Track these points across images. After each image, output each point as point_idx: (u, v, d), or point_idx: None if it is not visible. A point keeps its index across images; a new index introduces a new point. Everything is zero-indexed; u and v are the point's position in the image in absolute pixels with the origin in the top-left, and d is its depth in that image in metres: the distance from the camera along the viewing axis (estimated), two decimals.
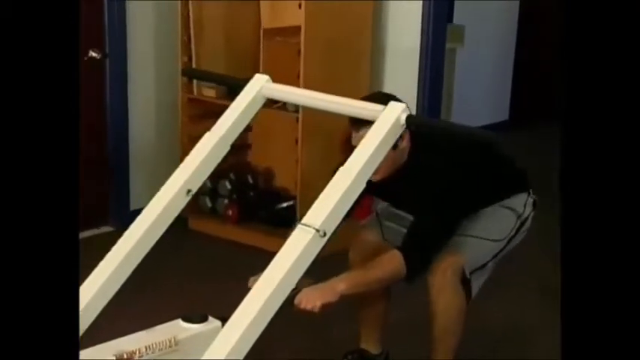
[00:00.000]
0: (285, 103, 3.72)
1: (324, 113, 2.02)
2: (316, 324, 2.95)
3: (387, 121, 1.79)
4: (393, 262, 2.38)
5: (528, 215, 2.60)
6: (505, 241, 2.55)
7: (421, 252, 2.43)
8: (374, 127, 1.80)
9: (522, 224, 2.59)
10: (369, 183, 1.83)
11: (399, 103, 1.83)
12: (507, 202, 2.58)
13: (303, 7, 3.61)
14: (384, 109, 1.82)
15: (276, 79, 2.07)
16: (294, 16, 3.71)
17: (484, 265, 2.54)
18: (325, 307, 2.23)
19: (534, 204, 2.63)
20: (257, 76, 2.05)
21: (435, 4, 3.89)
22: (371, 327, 2.80)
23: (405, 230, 2.48)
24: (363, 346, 2.82)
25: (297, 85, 3.44)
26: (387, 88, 4.05)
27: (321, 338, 3.07)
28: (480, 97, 5.97)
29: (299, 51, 3.67)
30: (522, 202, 2.60)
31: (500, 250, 2.56)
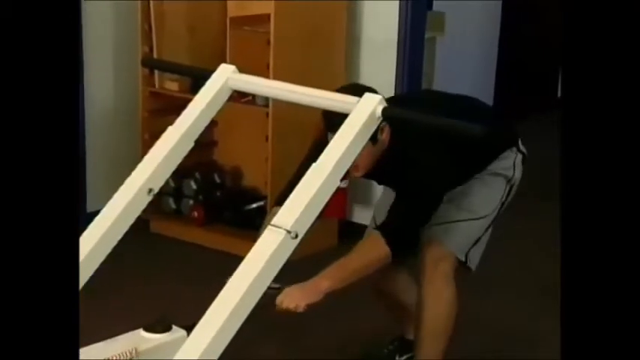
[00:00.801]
0: (253, 97, 3.72)
1: (296, 107, 2.02)
2: (291, 330, 2.96)
3: (362, 114, 1.80)
4: (374, 246, 2.42)
5: (518, 176, 2.66)
6: (495, 212, 2.63)
7: (403, 227, 2.45)
8: (348, 120, 1.81)
9: (512, 187, 2.66)
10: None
11: (375, 95, 1.83)
12: (496, 165, 2.62)
13: None
14: (358, 102, 1.82)
15: (244, 71, 2.06)
16: (263, 4, 3.71)
17: (478, 240, 2.62)
18: (309, 306, 2.25)
19: (524, 160, 2.68)
20: (223, 66, 2.04)
21: None
22: (407, 314, 2.82)
23: None
24: (407, 336, 2.86)
25: (267, 77, 3.43)
26: (363, 79, 4.06)
27: (296, 345, 3.08)
28: (463, 89, 5.94)
29: (268, 40, 3.67)
30: (511, 163, 2.64)
31: (493, 220, 2.64)
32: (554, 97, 6.62)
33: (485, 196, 2.61)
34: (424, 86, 4.38)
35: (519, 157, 2.67)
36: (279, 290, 2.22)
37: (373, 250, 2.43)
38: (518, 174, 2.66)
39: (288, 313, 2.25)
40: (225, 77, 2.02)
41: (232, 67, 2.04)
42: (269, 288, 1.73)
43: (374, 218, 2.78)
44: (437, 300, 2.57)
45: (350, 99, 1.87)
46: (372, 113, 1.81)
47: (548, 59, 6.48)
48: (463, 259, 2.60)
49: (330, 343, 3.12)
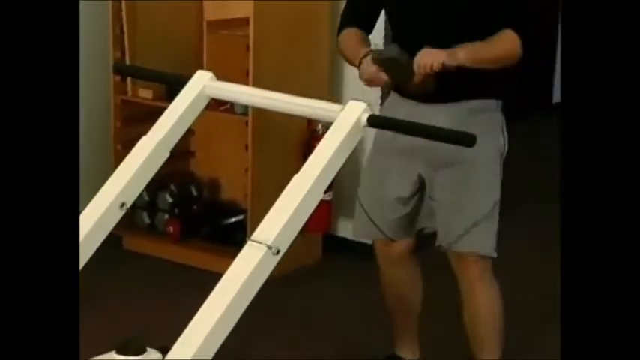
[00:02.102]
0: (232, 104, 3.72)
1: (277, 115, 2.02)
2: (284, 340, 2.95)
3: (346, 122, 1.80)
4: (510, 41, 2.55)
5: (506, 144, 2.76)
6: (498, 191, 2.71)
7: (530, 26, 2.62)
8: (332, 129, 1.81)
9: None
10: None
11: (360, 102, 1.84)
12: (488, 128, 2.66)
13: None
14: (342, 109, 1.83)
15: (222, 77, 2.07)
16: (241, 6, 3.71)
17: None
18: (444, 67, 2.45)
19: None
20: (199, 72, 2.04)
21: None
22: (406, 332, 2.98)
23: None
24: (399, 352, 2.98)
25: (246, 84, 3.44)
26: (348, 85, 4.07)
27: None
28: None
29: (247, 45, 3.68)
30: (500, 128, 2.71)
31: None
32: (549, 100, 6.71)
33: (490, 183, 2.68)
34: None
35: (503, 118, 2.74)
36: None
37: (508, 44, 2.56)
38: (506, 144, 2.74)
39: (425, 76, 2.48)
40: (202, 84, 2.02)
41: (209, 74, 2.04)
42: None
43: (360, 205, 2.86)
44: (487, 301, 2.75)
45: (333, 107, 1.88)
46: (357, 121, 1.81)
47: (544, 60, 6.56)
48: (495, 254, 2.70)
49: None
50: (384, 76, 2.55)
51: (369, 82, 2.61)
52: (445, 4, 2.59)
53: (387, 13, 2.77)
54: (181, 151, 4.16)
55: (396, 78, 2.59)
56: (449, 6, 2.59)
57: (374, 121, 1.84)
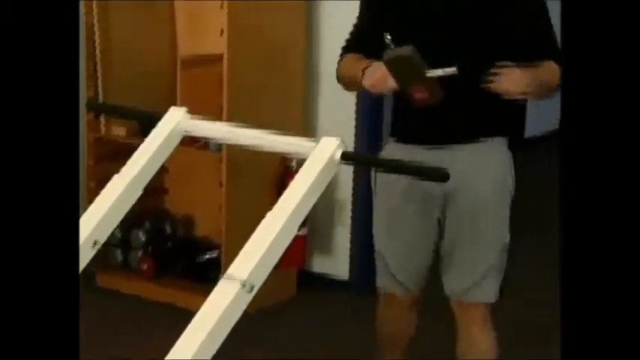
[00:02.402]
0: (206, 141, 3.73)
1: (251, 152, 2.02)
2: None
3: (320, 158, 1.81)
4: (556, 73, 2.43)
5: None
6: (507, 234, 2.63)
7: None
8: (306, 165, 1.81)
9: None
10: None
11: (333, 139, 1.85)
12: (499, 170, 2.59)
13: (225, 34, 3.63)
14: (316, 145, 1.84)
15: (196, 113, 2.07)
16: (215, 43, 3.73)
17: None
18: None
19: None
20: (173, 109, 2.04)
21: None
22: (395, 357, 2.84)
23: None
24: None
25: (220, 120, 3.44)
26: (322, 119, 4.10)
27: None
28: None
29: (221, 82, 3.69)
30: (509, 168, 2.61)
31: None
32: (522, 135, 6.81)
33: (501, 230, 2.60)
34: (386, 126, 4.41)
35: (511, 157, 2.64)
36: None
37: (557, 75, 2.43)
38: (514, 183, 2.65)
39: (431, 83, 2.35)
40: (175, 121, 2.02)
41: (183, 110, 2.04)
42: None
43: (382, 258, 2.72)
44: (484, 350, 2.65)
45: (308, 143, 1.88)
46: (331, 157, 1.82)
47: None
48: (497, 297, 2.63)
49: None
50: (390, 82, 2.39)
51: (374, 86, 2.45)
52: (456, 28, 2.49)
53: (393, 38, 2.57)
54: (155, 188, 4.15)
55: (405, 81, 2.39)
56: (460, 29, 2.49)
57: (348, 157, 1.84)
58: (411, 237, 2.64)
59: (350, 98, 4.01)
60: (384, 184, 2.66)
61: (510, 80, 2.42)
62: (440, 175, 1.83)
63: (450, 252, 2.60)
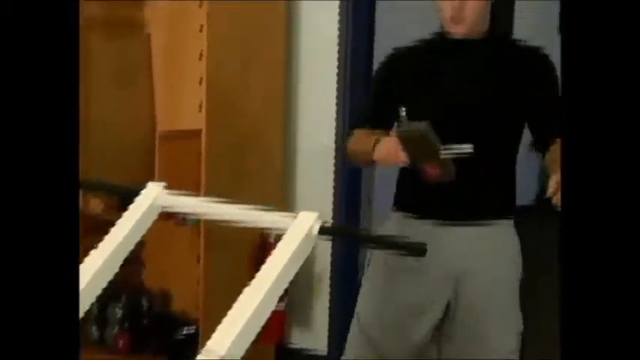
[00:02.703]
0: (184, 215, 3.72)
1: (230, 226, 2.02)
2: None
3: (298, 233, 1.81)
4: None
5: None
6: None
7: None
8: (284, 239, 1.82)
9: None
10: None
11: (311, 213, 1.85)
12: (507, 254, 2.59)
13: (203, 109, 3.66)
14: (294, 220, 1.84)
15: (174, 188, 2.07)
16: (193, 118, 3.76)
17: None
18: None
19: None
20: (151, 184, 2.05)
21: (351, 100, 3.99)
22: None
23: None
24: None
25: (199, 194, 3.45)
26: (301, 192, 4.10)
27: None
28: None
29: (200, 156, 3.70)
30: (518, 251, 2.62)
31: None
32: None
33: (513, 317, 2.58)
34: (363, 198, 4.43)
35: (517, 239, 2.65)
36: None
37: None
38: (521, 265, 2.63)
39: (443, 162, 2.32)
40: (153, 196, 2.03)
41: (161, 185, 2.04)
42: None
43: (357, 318, 2.70)
44: None
45: (286, 217, 1.89)
46: (309, 231, 1.82)
47: None
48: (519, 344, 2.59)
49: None
50: (402, 157, 2.35)
51: (385, 160, 2.41)
52: (472, 108, 2.51)
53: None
54: (132, 262, 4.11)
55: (418, 158, 2.35)
56: (476, 109, 2.51)
57: (325, 231, 1.85)
58: (413, 317, 2.59)
59: (328, 171, 4.04)
60: (384, 258, 2.61)
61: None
62: (418, 251, 1.83)
63: (462, 337, 2.55)
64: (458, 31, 2.53)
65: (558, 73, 2.44)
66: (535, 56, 2.60)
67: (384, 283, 2.64)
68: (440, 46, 2.61)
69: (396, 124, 2.38)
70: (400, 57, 2.67)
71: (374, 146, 2.44)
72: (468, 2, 2.49)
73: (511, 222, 2.63)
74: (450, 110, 2.50)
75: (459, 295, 2.55)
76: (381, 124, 2.56)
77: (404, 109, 2.31)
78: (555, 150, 2.45)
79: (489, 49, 2.57)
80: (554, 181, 2.20)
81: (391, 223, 2.65)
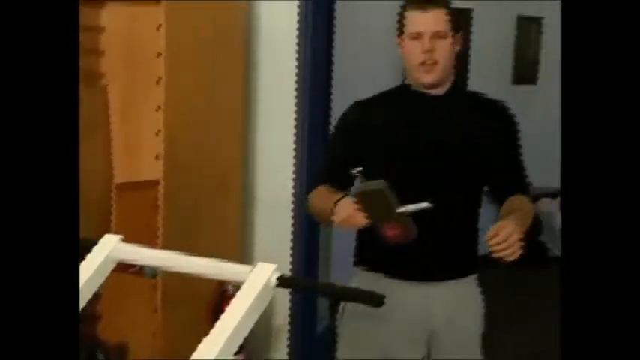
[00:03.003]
0: (141, 267, 3.69)
1: (187, 277, 2.01)
2: None
3: (256, 284, 1.81)
4: (530, 208, 2.49)
5: None
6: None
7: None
8: (241, 290, 1.81)
9: None
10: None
11: (269, 264, 1.85)
12: (473, 310, 2.61)
13: (161, 160, 3.65)
14: (251, 271, 1.84)
15: (131, 239, 2.06)
16: (151, 169, 3.75)
17: None
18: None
19: None
20: (107, 236, 2.04)
21: (310, 150, 4.01)
22: None
23: None
24: None
25: (156, 245, 3.43)
26: (259, 244, 4.10)
27: None
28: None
29: (157, 207, 3.69)
30: (482, 307, 2.64)
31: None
32: None
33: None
34: (322, 249, 4.43)
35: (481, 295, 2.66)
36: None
37: (530, 211, 2.48)
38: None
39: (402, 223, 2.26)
40: (109, 248, 2.01)
41: (117, 237, 2.03)
42: None
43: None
44: None
45: (243, 268, 1.89)
46: (267, 282, 1.82)
47: None
48: None
49: None
50: (361, 219, 2.28)
51: (345, 222, 2.33)
52: (432, 165, 2.49)
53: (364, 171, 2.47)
54: (88, 316, 4.06)
55: (377, 217, 2.28)
56: (437, 166, 2.49)
57: (284, 282, 1.85)
58: None
59: (286, 222, 4.04)
60: (358, 314, 2.57)
61: (509, 243, 2.26)
62: (377, 301, 1.84)
63: None
64: (427, 80, 2.49)
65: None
66: (498, 110, 2.60)
67: (360, 333, 2.62)
68: (405, 99, 2.56)
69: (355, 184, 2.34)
70: (362, 111, 2.60)
71: (333, 207, 2.36)
72: (439, 45, 2.45)
73: (475, 276, 2.63)
74: (414, 167, 2.48)
75: (432, 352, 2.57)
76: (342, 181, 2.47)
77: (359, 169, 2.26)
78: (512, 201, 2.48)
79: (455, 103, 2.54)
80: (497, 226, 2.23)
81: (361, 281, 2.59)
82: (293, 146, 4.02)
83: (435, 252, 2.50)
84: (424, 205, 2.21)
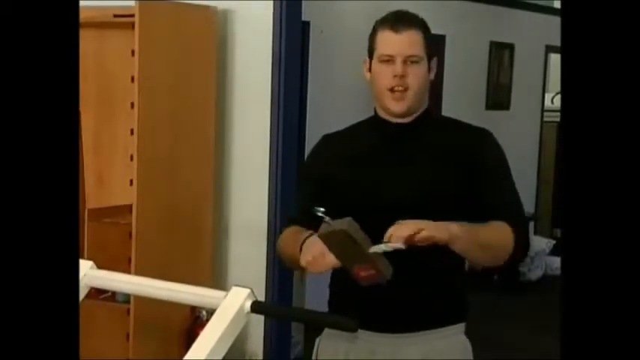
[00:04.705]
0: (113, 292, 3.66)
1: (160, 303, 2.01)
2: None
3: (230, 309, 1.80)
4: (504, 232, 2.20)
5: None
6: None
7: (525, 227, 2.32)
8: (215, 316, 1.81)
9: None
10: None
11: (243, 289, 1.85)
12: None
13: (134, 185, 3.64)
14: (226, 296, 1.84)
15: (103, 265, 2.05)
16: (124, 194, 3.73)
17: None
18: (429, 241, 2.02)
19: None
20: (79, 262, 2.02)
21: (283, 178, 4.02)
22: None
23: None
24: None
25: (129, 271, 3.41)
26: (233, 272, 4.09)
27: None
28: None
29: (130, 233, 3.67)
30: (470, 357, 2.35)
31: None
32: None
33: None
34: (296, 275, 4.43)
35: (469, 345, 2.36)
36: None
37: (503, 236, 2.19)
38: None
39: (402, 241, 2.03)
40: (82, 274, 2.00)
41: (90, 263, 2.02)
42: None
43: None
44: None
45: (217, 293, 1.88)
46: (241, 308, 1.82)
47: None
48: None
49: None
50: (330, 259, 2.08)
51: (312, 265, 2.12)
52: (405, 207, 2.20)
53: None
54: None
55: (347, 259, 2.09)
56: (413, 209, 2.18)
57: (257, 308, 1.84)
58: None
59: (260, 247, 4.03)
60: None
61: (407, 224, 2.07)
62: (350, 327, 1.84)
63: None
64: (396, 109, 2.29)
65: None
66: (475, 138, 2.37)
67: None
68: (372, 130, 2.37)
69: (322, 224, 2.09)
70: (329, 145, 2.44)
71: (300, 249, 2.17)
72: (412, 71, 2.26)
73: (462, 328, 2.36)
74: (381, 203, 2.26)
75: None
76: (312, 220, 2.16)
77: (321, 209, 2.06)
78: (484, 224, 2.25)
79: (425, 132, 2.34)
80: (419, 225, 2.05)
81: (326, 342, 2.39)
82: (267, 173, 4.02)
83: (411, 295, 2.26)
84: (398, 244, 2.05)
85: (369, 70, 2.34)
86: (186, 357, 1.76)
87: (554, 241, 7.66)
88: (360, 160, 2.34)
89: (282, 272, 4.04)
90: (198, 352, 1.76)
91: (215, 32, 3.97)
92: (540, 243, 7.52)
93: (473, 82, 7.42)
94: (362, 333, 2.17)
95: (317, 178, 2.40)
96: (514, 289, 6.98)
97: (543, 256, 7.50)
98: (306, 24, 5.07)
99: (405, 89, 2.26)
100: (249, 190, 4.11)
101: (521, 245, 2.26)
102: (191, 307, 3.67)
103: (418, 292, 2.28)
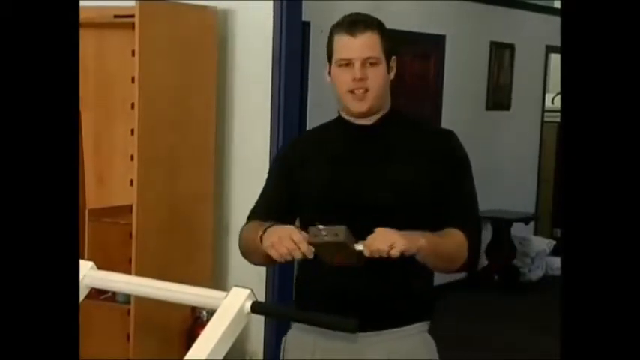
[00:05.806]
0: (114, 293, 3.67)
1: (160, 303, 2.01)
2: None
3: (230, 309, 1.80)
4: (460, 244, 2.26)
5: None
6: None
7: (478, 237, 2.34)
8: (215, 316, 1.81)
9: None
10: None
11: (243, 289, 1.85)
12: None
13: (134, 185, 3.64)
14: (226, 297, 1.84)
15: (104, 266, 2.05)
16: (124, 194, 3.74)
17: None
18: (402, 253, 2.06)
19: None
20: (79, 262, 2.02)
21: None
22: None
23: None
24: None
25: (129, 271, 3.41)
26: (232, 273, 4.08)
27: None
28: None
29: (130, 233, 3.67)
30: (434, 355, 2.35)
31: None
32: None
33: None
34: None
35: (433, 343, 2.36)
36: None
37: (460, 247, 2.25)
38: None
39: (377, 255, 2.06)
40: (82, 274, 2.00)
41: (90, 263, 2.02)
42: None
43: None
44: None
45: (217, 294, 1.88)
46: (241, 308, 1.81)
47: None
48: None
49: None
50: (304, 248, 2.09)
51: (277, 244, 2.12)
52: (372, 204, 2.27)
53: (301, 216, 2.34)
54: None
55: (333, 258, 2.15)
56: (376, 205, 2.26)
57: (258, 308, 1.84)
58: None
59: None
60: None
61: (382, 238, 2.09)
62: (350, 327, 1.84)
63: None
64: (358, 109, 2.30)
65: None
66: (438, 140, 2.38)
67: None
68: (336, 131, 2.39)
69: (310, 229, 2.11)
70: (295, 148, 2.47)
71: (262, 234, 2.18)
72: (371, 73, 2.27)
73: (426, 326, 2.37)
74: (342, 204, 2.29)
75: None
76: (278, 216, 2.27)
77: (320, 226, 2.07)
78: (439, 232, 2.26)
79: (388, 132, 2.35)
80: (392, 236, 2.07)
81: (293, 340, 2.42)
82: (266, 174, 4.01)
83: (375, 294, 2.28)
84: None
85: (329, 73, 2.38)
86: (186, 357, 1.76)
87: (554, 241, 7.65)
88: (322, 161, 2.37)
89: (282, 272, 4.04)
90: (198, 353, 1.76)
91: (215, 32, 3.97)
92: (540, 243, 7.52)
93: (473, 83, 7.41)
94: (327, 332, 2.16)
95: (280, 182, 2.44)
96: (514, 289, 6.97)
97: (543, 256, 7.49)
98: (306, 24, 5.06)
99: (366, 90, 2.28)
100: (249, 190, 4.09)
101: (473, 256, 2.33)
102: (191, 307, 3.67)
103: (382, 291, 2.29)
